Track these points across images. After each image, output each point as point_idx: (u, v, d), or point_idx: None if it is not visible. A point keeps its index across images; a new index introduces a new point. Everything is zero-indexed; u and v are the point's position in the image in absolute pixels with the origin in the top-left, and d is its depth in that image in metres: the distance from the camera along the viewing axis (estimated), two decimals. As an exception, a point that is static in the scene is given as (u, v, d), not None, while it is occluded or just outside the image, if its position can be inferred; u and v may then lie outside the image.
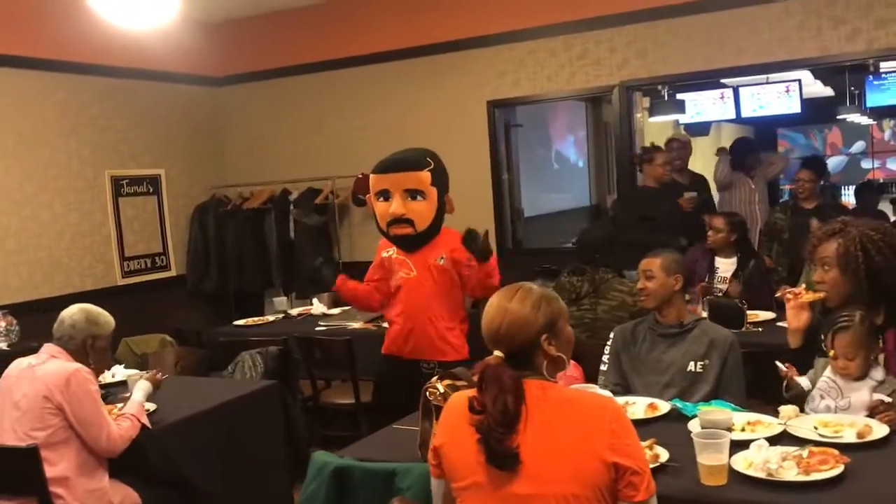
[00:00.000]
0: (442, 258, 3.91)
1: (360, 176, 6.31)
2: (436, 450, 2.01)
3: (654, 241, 3.93)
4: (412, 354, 3.94)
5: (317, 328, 4.98)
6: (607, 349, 3.32)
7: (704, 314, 3.93)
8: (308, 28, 6.83)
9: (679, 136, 7.03)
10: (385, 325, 4.20)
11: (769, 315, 4.29)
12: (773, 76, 6.67)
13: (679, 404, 2.82)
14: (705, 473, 2.18)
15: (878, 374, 2.60)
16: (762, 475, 2.16)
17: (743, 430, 2.54)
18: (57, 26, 5.80)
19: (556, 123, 8.65)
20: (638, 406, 2.85)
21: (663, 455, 2.34)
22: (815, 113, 9.53)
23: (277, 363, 4.19)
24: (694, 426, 2.54)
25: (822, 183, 6.18)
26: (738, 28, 5.48)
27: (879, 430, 2.40)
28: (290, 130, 7.07)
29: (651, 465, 2.00)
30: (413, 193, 3.86)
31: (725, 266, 4.85)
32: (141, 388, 3.27)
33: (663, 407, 2.83)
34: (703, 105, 7.46)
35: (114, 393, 3.64)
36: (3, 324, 4.93)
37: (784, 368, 2.73)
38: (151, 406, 3.32)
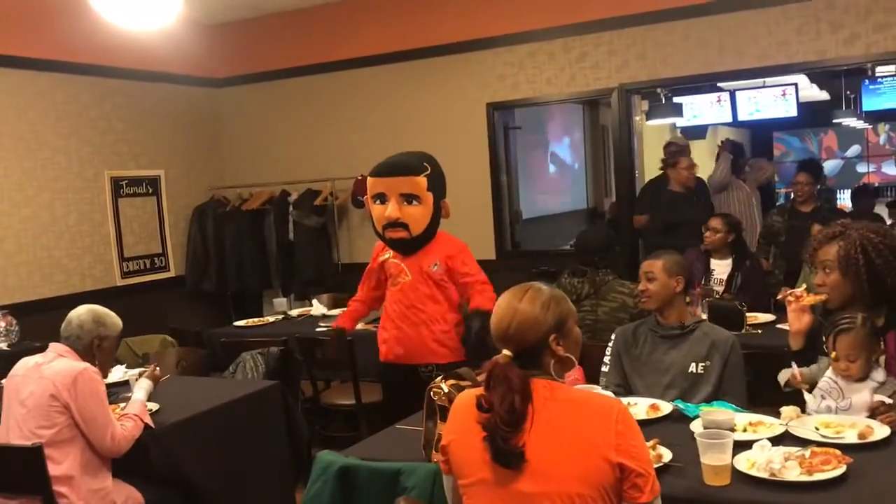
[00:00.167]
0: (436, 265, 3.94)
1: (360, 177, 6.33)
2: (444, 447, 2.03)
3: (679, 246, 4.04)
4: (409, 359, 3.97)
5: (317, 329, 4.99)
6: (608, 350, 3.34)
7: (704, 316, 3.95)
8: (307, 30, 6.84)
9: (676, 139, 7.06)
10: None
11: (769, 317, 4.32)
12: (770, 80, 6.71)
13: (681, 405, 2.83)
14: (709, 473, 2.20)
15: (878, 375, 2.62)
16: (765, 475, 2.17)
17: (745, 430, 2.56)
18: (56, 27, 5.81)
19: (553, 126, 8.68)
20: (640, 407, 2.87)
21: (666, 455, 2.36)
22: (811, 117, 9.56)
23: (279, 364, 4.20)
24: (696, 427, 2.56)
25: (818, 187, 6.23)
26: (737, 31, 5.51)
27: (880, 431, 2.42)
28: (290, 132, 7.08)
29: (654, 465, 2.01)
30: (409, 198, 3.89)
31: (721, 268, 4.88)
32: (142, 387, 3.29)
33: (665, 408, 2.84)
34: (699, 108, 7.49)
35: (116, 392, 3.64)
36: (3, 324, 4.92)
37: (798, 376, 2.74)
38: (154, 406, 3.33)
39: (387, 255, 4.09)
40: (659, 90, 6.30)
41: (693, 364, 3.10)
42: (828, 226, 2.91)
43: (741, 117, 7.34)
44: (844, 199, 11.34)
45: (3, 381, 3.18)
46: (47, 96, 5.86)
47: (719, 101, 7.40)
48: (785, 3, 5.35)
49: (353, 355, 4.35)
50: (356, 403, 4.43)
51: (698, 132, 9.04)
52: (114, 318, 3.18)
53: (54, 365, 2.99)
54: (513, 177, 6.71)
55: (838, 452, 2.25)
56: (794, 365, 2.76)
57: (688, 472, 2.26)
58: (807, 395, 2.72)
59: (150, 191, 6.67)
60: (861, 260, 2.69)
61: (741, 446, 2.31)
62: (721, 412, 2.62)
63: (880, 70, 6.38)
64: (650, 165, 6.66)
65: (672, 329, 3.19)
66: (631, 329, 3.32)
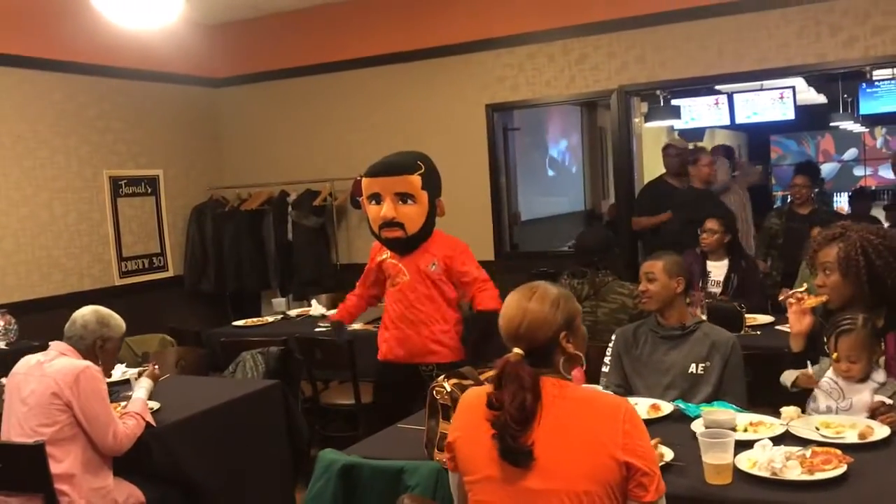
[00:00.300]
0: (434, 264, 3.95)
1: (358, 178, 6.28)
2: (450, 444, 2.04)
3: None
4: (408, 359, 3.97)
5: (316, 329, 4.99)
6: (609, 351, 3.35)
7: (704, 317, 3.95)
8: (307, 30, 6.85)
9: (676, 141, 7.09)
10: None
11: (767, 318, 4.33)
12: (768, 83, 6.74)
13: (682, 405, 2.84)
14: (710, 472, 2.21)
15: (879, 376, 2.64)
16: (766, 474, 2.18)
17: (745, 430, 2.57)
18: (56, 26, 5.80)
19: (551, 128, 8.69)
20: (641, 407, 2.86)
21: (668, 454, 2.36)
22: (809, 120, 9.61)
23: (279, 363, 4.20)
24: (697, 426, 2.57)
25: (816, 189, 6.26)
26: (736, 34, 5.52)
27: (881, 431, 2.43)
28: (289, 132, 7.08)
29: (656, 464, 2.02)
30: (403, 197, 3.90)
31: (718, 269, 4.88)
32: (143, 385, 3.29)
33: (666, 408, 2.85)
34: (697, 111, 7.52)
35: (116, 391, 3.65)
36: (2, 323, 4.93)
37: (813, 376, 2.74)
38: (155, 405, 3.33)
39: (384, 256, 4.10)
40: (658, 92, 6.32)
41: (693, 365, 3.10)
42: (828, 227, 2.93)
43: (739, 120, 7.37)
44: (841, 202, 11.38)
45: (5, 379, 3.18)
46: (46, 95, 5.86)
47: (717, 103, 7.43)
48: (785, 6, 5.37)
49: (353, 355, 4.36)
50: (356, 403, 4.44)
51: (696, 134, 9.08)
52: (117, 320, 3.19)
53: (56, 363, 2.99)
54: (511, 178, 6.72)
55: (839, 452, 2.26)
56: (808, 365, 2.76)
57: (689, 472, 2.27)
58: (817, 392, 2.72)
59: (149, 190, 6.67)
60: (861, 261, 2.71)
61: (742, 446, 2.33)
62: (723, 412, 2.63)
63: (877, 74, 6.42)
64: (649, 167, 6.68)
65: (672, 330, 3.20)
66: (631, 330, 3.33)
